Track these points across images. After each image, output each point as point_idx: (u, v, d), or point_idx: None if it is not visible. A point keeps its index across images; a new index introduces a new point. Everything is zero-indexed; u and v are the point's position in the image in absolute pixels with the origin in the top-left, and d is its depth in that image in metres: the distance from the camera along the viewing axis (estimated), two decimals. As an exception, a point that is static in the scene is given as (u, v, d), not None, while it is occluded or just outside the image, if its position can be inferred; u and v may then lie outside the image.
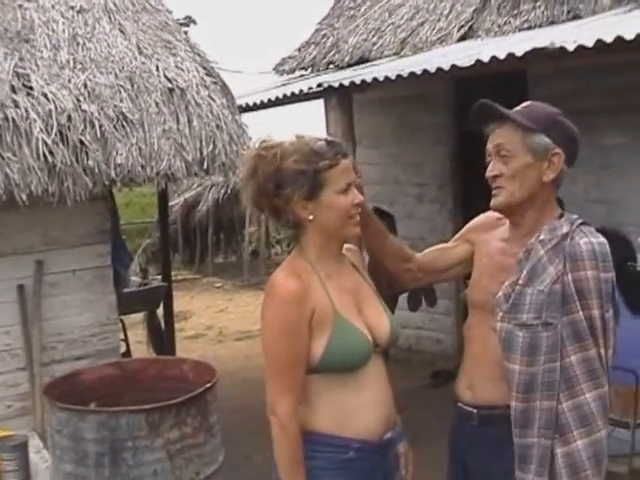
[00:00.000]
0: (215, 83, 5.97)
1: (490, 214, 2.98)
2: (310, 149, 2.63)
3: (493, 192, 2.77)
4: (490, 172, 2.75)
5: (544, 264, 2.61)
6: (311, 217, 2.67)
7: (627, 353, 3.59)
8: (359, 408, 2.69)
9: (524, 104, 2.80)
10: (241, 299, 13.64)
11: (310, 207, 2.66)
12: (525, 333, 2.59)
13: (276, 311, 2.64)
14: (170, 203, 15.22)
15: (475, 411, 2.85)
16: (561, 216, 2.74)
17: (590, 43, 4.61)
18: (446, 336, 8.41)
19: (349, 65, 8.60)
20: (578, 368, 2.57)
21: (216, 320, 12.34)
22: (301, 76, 9.36)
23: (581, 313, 2.56)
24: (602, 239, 2.63)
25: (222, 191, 16.26)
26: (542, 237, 2.66)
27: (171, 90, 5.67)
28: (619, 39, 4.48)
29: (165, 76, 5.74)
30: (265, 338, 2.69)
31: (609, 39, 4.52)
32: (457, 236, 3.15)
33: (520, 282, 2.64)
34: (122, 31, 6.07)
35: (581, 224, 2.68)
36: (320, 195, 2.64)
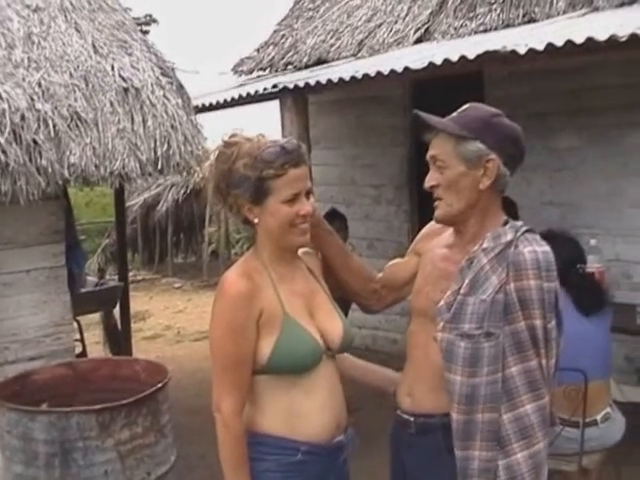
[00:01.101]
0: (170, 83, 5.96)
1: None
2: (258, 155, 2.62)
3: (434, 204, 2.75)
4: (427, 183, 2.73)
5: (487, 273, 2.57)
6: (256, 220, 2.69)
7: (576, 353, 3.64)
8: (309, 410, 2.68)
9: (462, 108, 2.76)
10: (200, 299, 13.56)
11: (256, 211, 2.67)
12: (467, 344, 2.55)
13: (223, 310, 2.65)
14: (129, 203, 15.16)
15: (412, 419, 2.82)
16: (506, 223, 2.69)
17: (541, 47, 4.65)
18: (402, 336, 8.34)
19: (307, 66, 8.62)
20: (519, 379, 2.54)
21: (175, 320, 12.26)
22: (259, 77, 9.37)
23: (523, 323, 2.53)
24: (547, 248, 2.58)
25: (182, 191, 16.18)
26: (485, 245, 2.61)
27: (126, 90, 5.66)
28: (569, 43, 4.53)
29: (120, 75, 5.73)
30: (212, 336, 2.71)
31: (560, 43, 4.57)
32: (408, 251, 3.10)
33: (462, 291, 2.60)
34: (78, 30, 6.03)
35: (526, 231, 2.63)
36: (265, 202, 2.64)
